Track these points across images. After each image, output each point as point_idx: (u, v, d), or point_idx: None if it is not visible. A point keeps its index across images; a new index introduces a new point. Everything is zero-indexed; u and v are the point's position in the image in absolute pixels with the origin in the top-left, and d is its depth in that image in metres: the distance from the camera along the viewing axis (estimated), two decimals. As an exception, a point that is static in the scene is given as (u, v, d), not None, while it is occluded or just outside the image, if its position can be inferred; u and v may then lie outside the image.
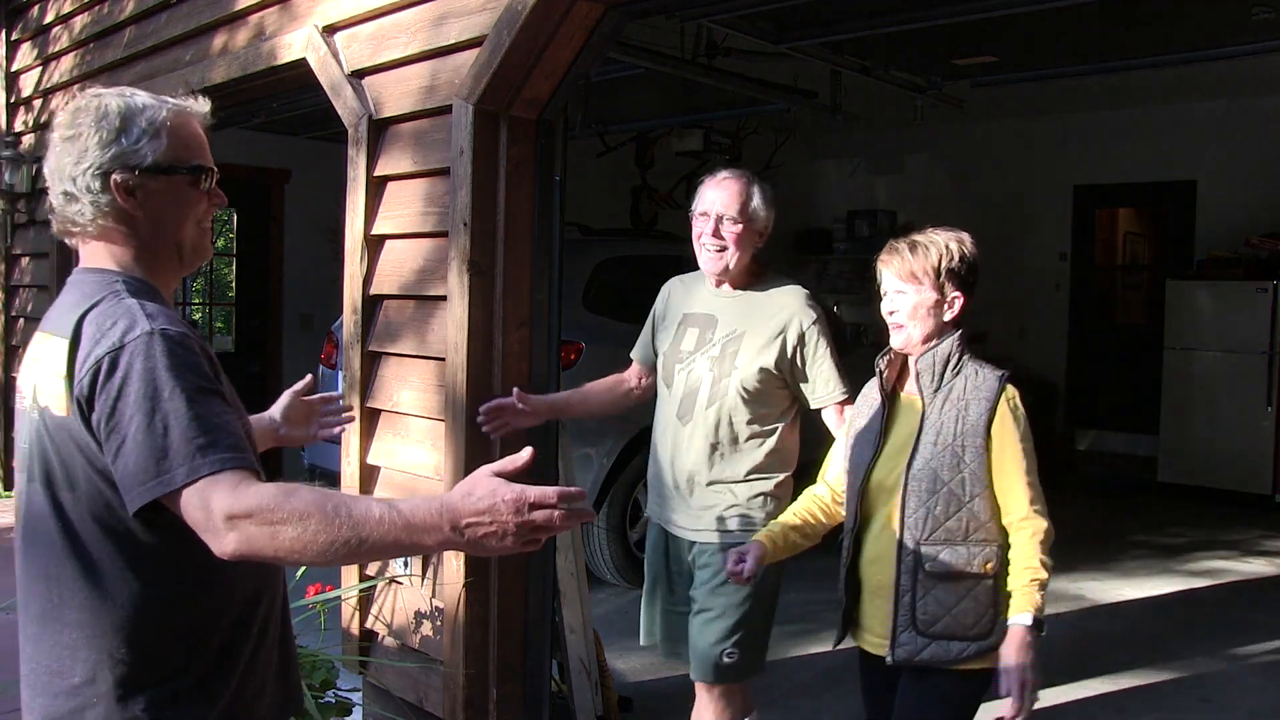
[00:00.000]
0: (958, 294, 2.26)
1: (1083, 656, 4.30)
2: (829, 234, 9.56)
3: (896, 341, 2.28)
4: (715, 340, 2.70)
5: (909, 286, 2.24)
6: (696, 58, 5.56)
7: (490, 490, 1.32)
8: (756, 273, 2.76)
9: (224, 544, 1.30)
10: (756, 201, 2.67)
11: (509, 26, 2.88)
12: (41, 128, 5.91)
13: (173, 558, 1.42)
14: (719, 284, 2.75)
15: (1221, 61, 5.98)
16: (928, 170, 9.51)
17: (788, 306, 2.67)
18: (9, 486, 6.50)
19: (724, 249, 2.66)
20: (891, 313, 2.26)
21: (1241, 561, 5.88)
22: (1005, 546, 2.23)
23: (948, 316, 2.26)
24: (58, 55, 5.70)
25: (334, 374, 4.65)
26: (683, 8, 3.48)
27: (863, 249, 9.56)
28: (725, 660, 2.66)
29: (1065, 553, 6.19)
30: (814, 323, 2.66)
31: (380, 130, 3.40)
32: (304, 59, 3.64)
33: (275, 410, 2.07)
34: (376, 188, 3.40)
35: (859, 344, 7.79)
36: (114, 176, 1.47)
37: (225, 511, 1.29)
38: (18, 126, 6.25)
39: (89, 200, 1.47)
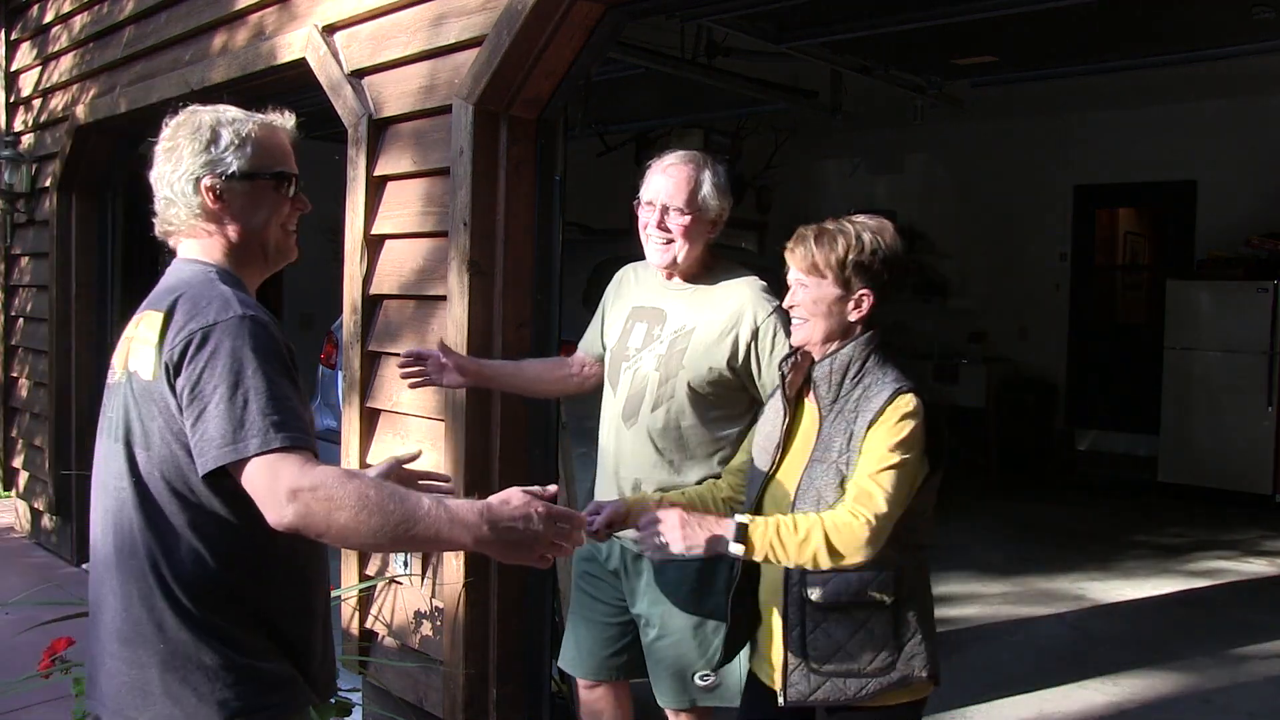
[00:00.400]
0: (865, 291, 1.99)
1: (1083, 656, 4.30)
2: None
3: (796, 338, 2.06)
4: (662, 336, 2.48)
5: (810, 279, 2.00)
6: (696, 58, 5.56)
7: (525, 501, 1.53)
8: (709, 264, 2.54)
9: (283, 514, 1.43)
10: (707, 190, 2.45)
11: (509, 26, 2.88)
12: (41, 127, 5.91)
13: (230, 525, 1.55)
14: (669, 276, 2.54)
15: (1221, 61, 5.98)
16: (928, 170, 9.52)
17: (741, 299, 2.45)
18: (9, 487, 6.50)
19: (670, 241, 2.45)
20: (791, 306, 2.04)
21: (1241, 561, 5.88)
22: (904, 571, 1.97)
23: (853, 316, 2.00)
24: (57, 55, 5.70)
25: (334, 374, 4.65)
26: (683, 8, 3.48)
27: (863, 249, 9.57)
28: (699, 683, 2.45)
29: (1065, 552, 6.22)
30: (770, 315, 2.42)
31: (380, 130, 3.40)
32: (304, 59, 3.64)
33: (373, 473, 1.92)
34: (376, 187, 3.40)
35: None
36: (204, 182, 1.63)
37: (291, 485, 1.42)
38: (17, 126, 6.25)
39: (183, 203, 1.64)
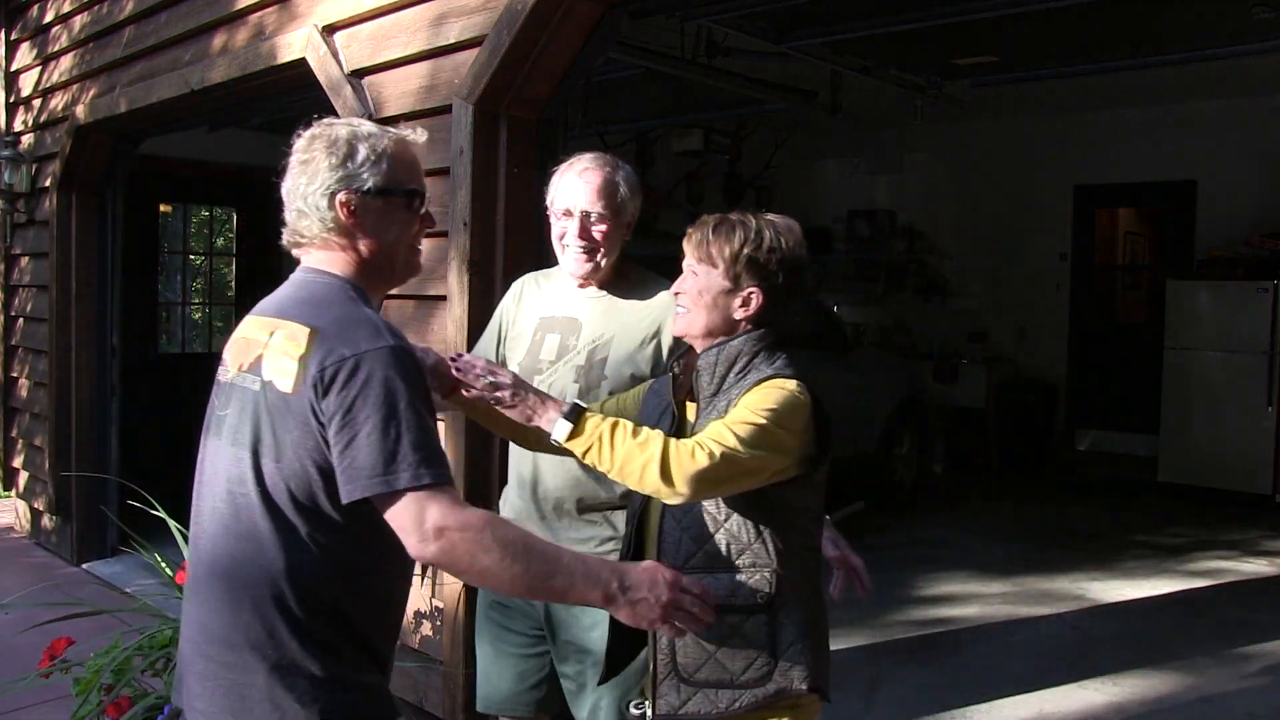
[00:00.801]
0: (754, 289, 1.87)
1: (1083, 656, 4.29)
2: (829, 234, 9.56)
3: (676, 326, 1.95)
4: (579, 347, 2.33)
5: (700, 267, 1.89)
6: (696, 58, 5.56)
7: (654, 567, 1.62)
8: (621, 269, 2.40)
9: (425, 549, 1.48)
10: (624, 191, 2.33)
11: (509, 26, 2.88)
12: (41, 127, 5.91)
13: (349, 544, 1.57)
14: (583, 284, 2.38)
15: (1221, 61, 5.98)
16: (928, 170, 9.52)
17: (662, 305, 2.29)
18: (9, 487, 6.50)
19: (594, 250, 2.31)
20: (677, 293, 1.93)
21: (1241, 561, 5.88)
22: (784, 572, 1.80)
23: (739, 314, 1.88)
24: (57, 55, 5.70)
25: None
26: (683, 8, 3.48)
27: (863, 249, 9.58)
28: (633, 712, 2.14)
29: (1065, 552, 6.22)
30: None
31: (380, 130, 3.39)
32: (303, 59, 3.64)
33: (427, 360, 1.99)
34: (376, 187, 3.40)
35: (858, 344, 7.80)
36: (339, 196, 1.64)
37: (439, 523, 1.47)
38: (17, 126, 6.25)
39: (316, 217, 1.65)
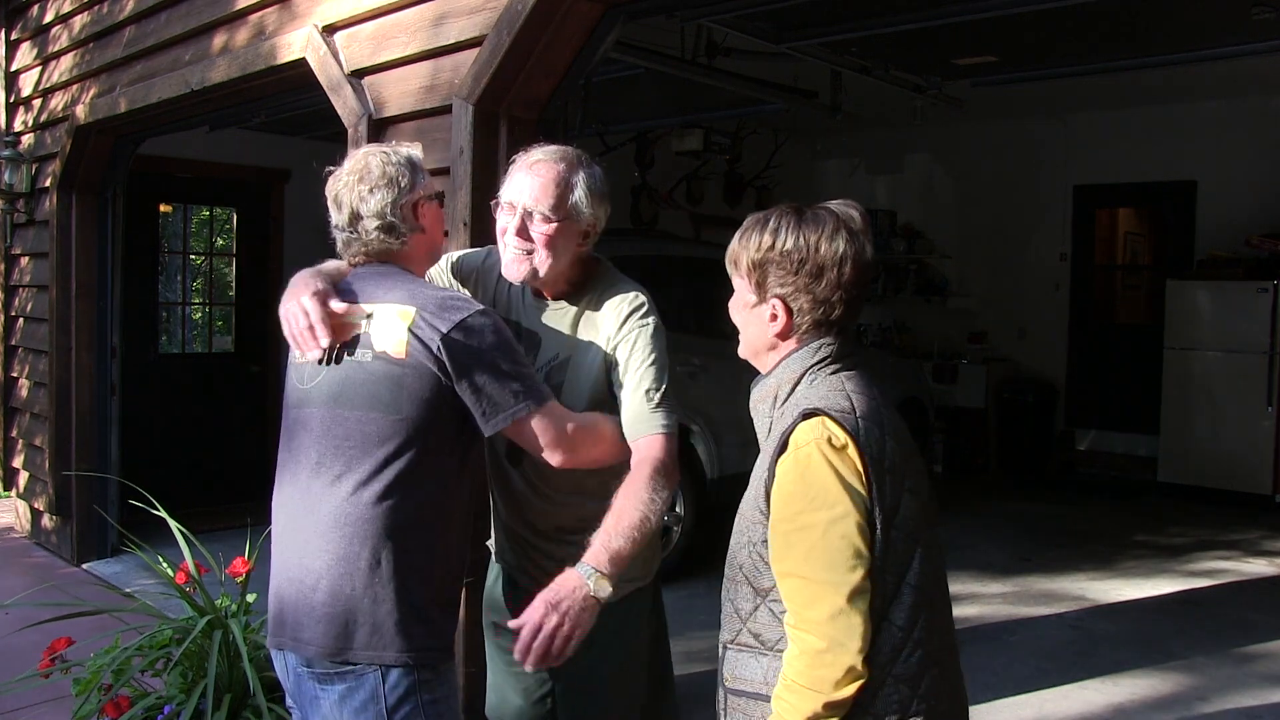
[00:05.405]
0: (777, 300, 1.59)
1: (1083, 656, 4.30)
2: (829, 234, 9.53)
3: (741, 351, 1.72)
4: (540, 366, 2.11)
5: (735, 278, 1.66)
6: (696, 58, 5.56)
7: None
8: (582, 279, 2.16)
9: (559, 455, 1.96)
10: (579, 194, 2.08)
11: (509, 26, 2.88)
12: (41, 127, 5.91)
13: (450, 476, 1.93)
14: (538, 294, 2.17)
15: (1221, 61, 5.98)
16: (928, 170, 9.52)
17: (615, 316, 2.09)
18: (9, 487, 6.50)
19: (530, 252, 2.06)
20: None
21: (1241, 561, 5.88)
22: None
23: (773, 330, 1.60)
24: (57, 55, 5.70)
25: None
26: (683, 8, 3.47)
27: (863, 249, 9.56)
28: None
29: (1065, 552, 6.21)
30: (640, 324, 2.07)
31: (380, 130, 3.39)
32: (304, 59, 3.64)
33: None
34: (376, 187, 3.40)
35: (858, 344, 7.80)
36: (421, 205, 2.04)
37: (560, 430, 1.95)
38: (17, 126, 6.25)
39: (405, 225, 2.00)
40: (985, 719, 3.68)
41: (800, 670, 1.45)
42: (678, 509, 5.29)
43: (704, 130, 7.81)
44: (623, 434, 2.03)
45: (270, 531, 2.02)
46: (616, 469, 2.04)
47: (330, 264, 2.09)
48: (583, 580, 1.76)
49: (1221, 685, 4.03)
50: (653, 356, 2.05)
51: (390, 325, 1.90)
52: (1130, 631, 4.65)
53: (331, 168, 2.04)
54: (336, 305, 1.95)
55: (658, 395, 2.02)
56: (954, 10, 4.66)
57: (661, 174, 8.42)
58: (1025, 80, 6.54)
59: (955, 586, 5.21)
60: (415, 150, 2.08)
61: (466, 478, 2.00)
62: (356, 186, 1.97)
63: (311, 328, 1.92)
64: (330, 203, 2.02)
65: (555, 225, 2.05)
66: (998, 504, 7.36)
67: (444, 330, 1.86)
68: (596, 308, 2.13)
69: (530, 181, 2.07)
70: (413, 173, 2.01)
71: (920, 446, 7.48)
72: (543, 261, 2.07)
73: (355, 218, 1.98)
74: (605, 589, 1.77)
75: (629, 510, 1.88)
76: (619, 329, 2.08)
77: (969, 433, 8.41)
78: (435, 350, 1.86)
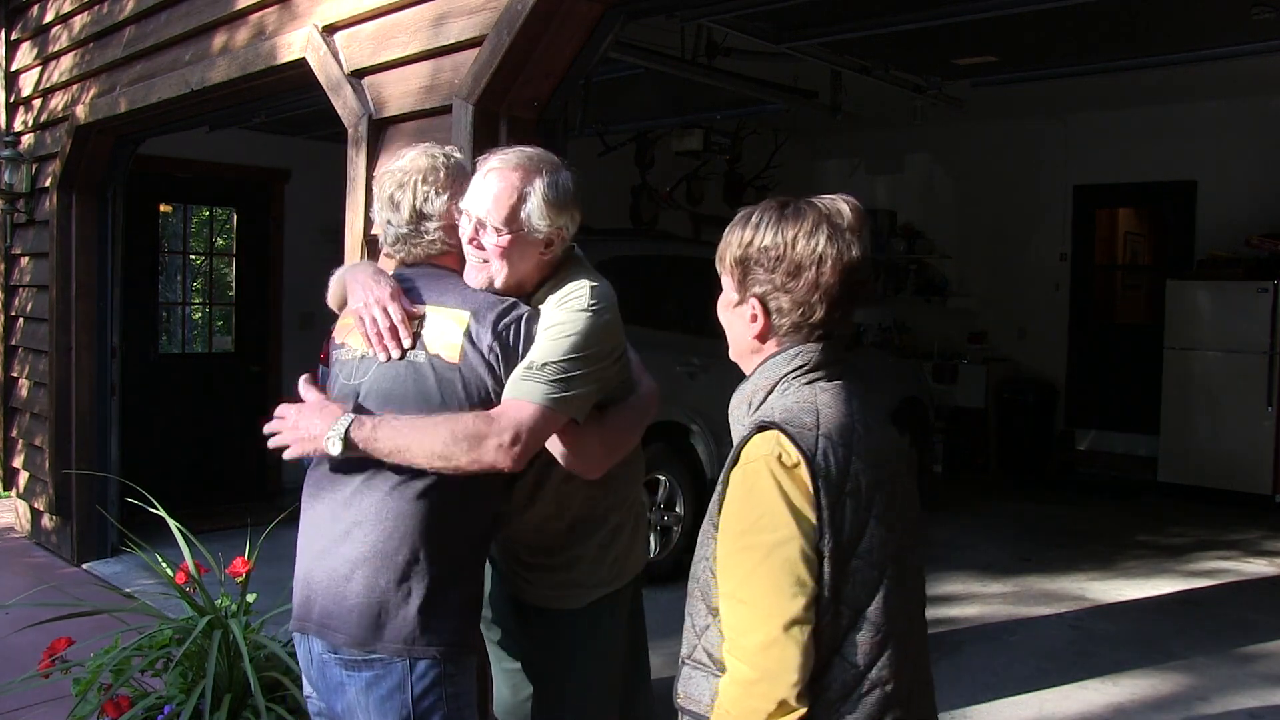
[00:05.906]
0: (754, 299, 1.49)
1: (1083, 656, 4.30)
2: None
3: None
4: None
5: (722, 276, 1.55)
6: (696, 58, 5.56)
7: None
8: (550, 277, 2.06)
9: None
10: (533, 206, 1.96)
11: (509, 26, 2.88)
12: (41, 127, 5.91)
13: (488, 477, 1.91)
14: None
15: (1221, 61, 5.98)
16: (928, 170, 9.52)
17: (552, 305, 2.00)
18: (9, 487, 6.50)
19: (485, 262, 1.99)
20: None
21: (1241, 561, 5.88)
22: None
23: (752, 331, 1.50)
24: (57, 55, 5.70)
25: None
26: (683, 8, 3.47)
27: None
28: None
29: (1065, 552, 6.21)
30: (562, 307, 1.96)
31: (380, 130, 3.39)
32: (304, 59, 3.63)
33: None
34: (376, 188, 3.40)
35: (858, 344, 7.81)
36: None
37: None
38: (17, 126, 6.25)
39: (454, 228, 2.03)
40: (985, 719, 3.68)
41: (733, 698, 1.38)
42: (677, 509, 5.29)
43: (704, 130, 7.81)
44: (621, 422, 2.11)
45: (300, 522, 2.03)
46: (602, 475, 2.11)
47: (370, 263, 2.15)
48: (332, 426, 1.87)
49: (1222, 685, 4.03)
50: (557, 332, 1.92)
51: (445, 328, 1.95)
52: (1130, 631, 4.65)
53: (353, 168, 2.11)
54: (415, 309, 1.98)
55: (541, 367, 1.88)
56: (954, 10, 4.66)
57: (661, 174, 8.42)
58: (1025, 80, 6.53)
59: (955, 586, 5.24)
60: (459, 154, 2.17)
61: (499, 479, 2.01)
62: (421, 187, 2.01)
63: (394, 329, 1.95)
64: (383, 202, 2.05)
65: (508, 238, 1.96)
66: (998, 504, 7.36)
67: (497, 334, 1.93)
68: (543, 301, 2.02)
69: (483, 191, 1.98)
70: (464, 176, 2.07)
71: (920, 447, 7.47)
72: (498, 272, 1.98)
73: (420, 217, 2.02)
74: (336, 448, 1.86)
75: (427, 430, 1.82)
76: (549, 316, 1.98)
77: (969, 433, 8.41)
78: (487, 354, 1.92)
